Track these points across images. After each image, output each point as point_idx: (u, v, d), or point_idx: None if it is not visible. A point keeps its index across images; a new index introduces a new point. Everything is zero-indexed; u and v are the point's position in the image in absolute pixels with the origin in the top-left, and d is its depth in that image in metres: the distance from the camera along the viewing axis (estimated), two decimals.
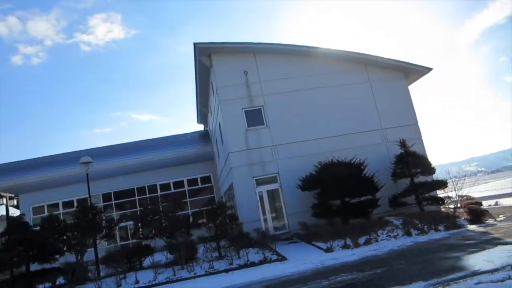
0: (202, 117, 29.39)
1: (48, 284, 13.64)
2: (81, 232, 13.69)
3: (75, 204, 26.44)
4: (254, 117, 18.63)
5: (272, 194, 18.12)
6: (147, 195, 27.49)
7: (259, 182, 18.02)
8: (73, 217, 14.12)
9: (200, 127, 32.52)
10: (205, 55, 19.16)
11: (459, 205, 17.56)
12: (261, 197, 17.87)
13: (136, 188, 27.49)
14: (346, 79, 19.73)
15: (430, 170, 17.47)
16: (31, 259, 13.55)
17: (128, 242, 24.77)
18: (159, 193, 27.76)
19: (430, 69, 20.37)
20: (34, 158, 28.16)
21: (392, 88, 20.05)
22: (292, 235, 17.04)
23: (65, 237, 14.06)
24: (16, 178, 25.33)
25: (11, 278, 12.66)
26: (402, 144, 17.77)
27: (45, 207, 26.17)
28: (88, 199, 16.16)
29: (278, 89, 18.99)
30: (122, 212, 26.04)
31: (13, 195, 15.93)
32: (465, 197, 18.31)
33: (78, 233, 13.68)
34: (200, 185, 28.16)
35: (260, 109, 18.77)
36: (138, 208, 26.85)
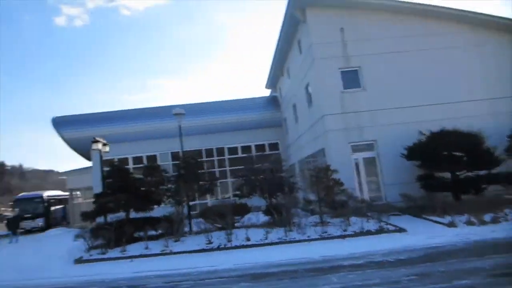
0: (273, 81, 28.23)
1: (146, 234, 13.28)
2: (183, 183, 13.10)
3: (145, 160, 26.57)
4: (351, 79, 17.33)
5: (368, 162, 16.93)
6: (215, 158, 27.09)
7: (355, 149, 16.87)
8: (177, 169, 13.54)
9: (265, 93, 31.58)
10: (299, 8, 17.82)
11: None
12: (356, 165, 16.75)
13: (204, 149, 27.03)
14: (452, 41, 17.91)
15: None
16: (132, 206, 13.14)
17: (218, 199, 24.33)
18: (226, 156, 27.28)
19: None
20: (95, 113, 28.15)
21: (504, 53, 18.01)
22: (388, 206, 15.89)
23: (165, 188, 13.58)
24: (90, 130, 25.36)
25: (119, 223, 12.25)
26: None
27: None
28: (180, 152, 15.54)
29: (377, 49, 17.49)
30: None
31: (106, 142, 15.51)
32: None
33: (181, 184, 13.09)
34: (267, 152, 27.33)
35: (357, 70, 17.41)
36: (206, 170, 26.53)
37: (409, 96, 17.19)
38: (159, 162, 25.93)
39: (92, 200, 27.39)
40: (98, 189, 25.62)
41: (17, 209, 28.39)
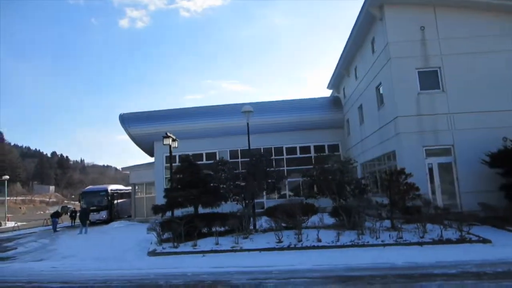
0: (336, 81, 27.57)
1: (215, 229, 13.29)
2: (252, 180, 12.97)
3: (204, 157, 27.01)
4: (429, 80, 16.36)
5: (443, 168, 15.91)
6: (273, 157, 26.82)
7: (429, 153, 15.91)
8: (247, 165, 13.47)
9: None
10: (376, 6, 17.12)
11: None
12: (430, 170, 15.79)
13: (262, 148, 26.84)
14: None
15: None
16: (201, 201, 13.22)
17: (275, 199, 24.12)
18: (284, 156, 27.04)
19: None
20: (158, 110, 28.95)
21: None
22: (468, 215, 14.73)
23: (232, 185, 13.53)
24: (155, 127, 26.25)
25: (188, 217, 12.36)
26: None
27: (177, 157, 26.80)
28: (248, 149, 15.45)
29: (460, 49, 16.37)
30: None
31: (175, 137, 15.80)
32: None
33: (250, 181, 12.97)
34: (326, 153, 26.66)
35: (437, 70, 16.40)
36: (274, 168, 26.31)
37: (492, 100, 15.93)
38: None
39: (152, 194, 28.24)
40: (161, 183, 26.62)
41: (83, 202, 29.81)
